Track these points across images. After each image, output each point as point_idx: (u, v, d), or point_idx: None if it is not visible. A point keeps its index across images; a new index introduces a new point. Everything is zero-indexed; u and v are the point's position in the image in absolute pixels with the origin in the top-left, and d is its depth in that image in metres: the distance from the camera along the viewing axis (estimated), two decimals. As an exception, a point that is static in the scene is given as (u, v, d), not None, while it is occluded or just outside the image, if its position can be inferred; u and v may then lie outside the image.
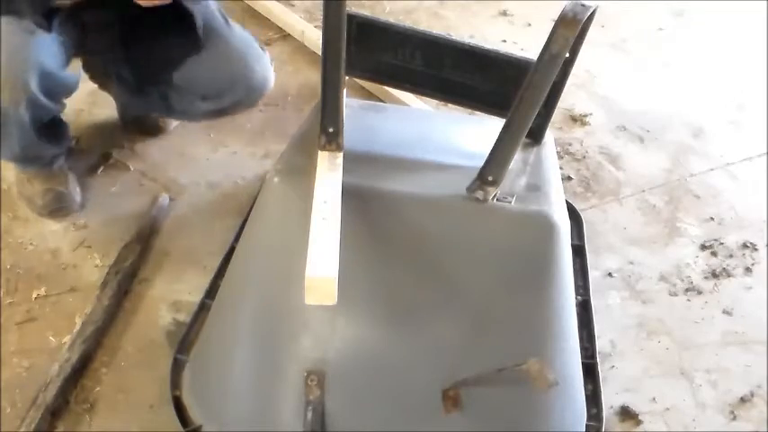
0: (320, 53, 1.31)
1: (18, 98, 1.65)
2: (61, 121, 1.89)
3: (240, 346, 1.45)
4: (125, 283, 1.79)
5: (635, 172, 2.30)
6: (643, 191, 2.24)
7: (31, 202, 1.94)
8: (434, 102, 2.15)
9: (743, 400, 1.70)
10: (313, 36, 2.60)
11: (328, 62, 1.30)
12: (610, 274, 1.97)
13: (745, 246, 2.08)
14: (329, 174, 1.31)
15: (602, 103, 2.55)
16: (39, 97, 1.67)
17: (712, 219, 2.16)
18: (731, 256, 2.05)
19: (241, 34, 1.92)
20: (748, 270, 2.01)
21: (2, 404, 1.55)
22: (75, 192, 1.97)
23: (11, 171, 1.96)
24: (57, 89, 1.75)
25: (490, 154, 1.29)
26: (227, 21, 1.91)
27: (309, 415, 1.36)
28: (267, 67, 1.94)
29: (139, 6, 1.66)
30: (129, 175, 2.08)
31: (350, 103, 1.51)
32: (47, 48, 1.68)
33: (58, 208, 1.93)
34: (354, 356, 1.37)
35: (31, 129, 1.73)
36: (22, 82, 1.63)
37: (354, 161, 1.35)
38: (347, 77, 1.39)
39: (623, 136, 2.44)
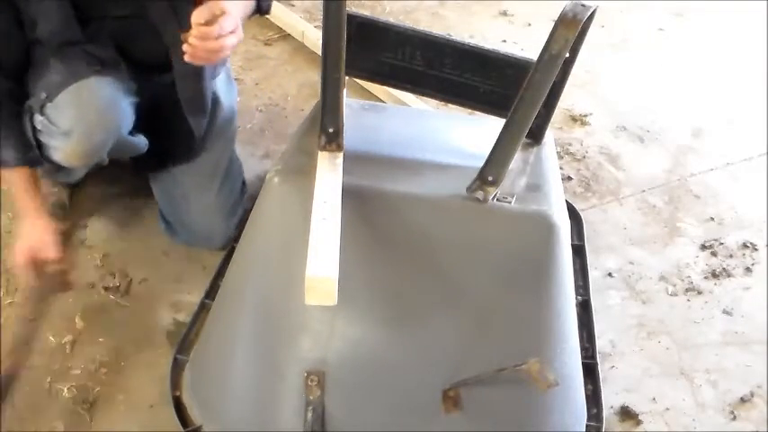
0: (320, 53, 1.31)
1: (93, 160, 1.68)
2: None
3: (240, 346, 1.45)
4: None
5: (635, 172, 2.30)
6: (643, 191, 2.24)
7: None
8: (434, 102, 2.14)
9: (743, 400, 1.70)
10: (313, 36, 2.60)
11: (328, 62, 1.30)
12: (610, 274, 1.97)
13: (745, 246, 2.08)
14: (329, 174, 1.31)
15: (602, 103, 2.55)
16: (104, 160, 1.71)
17: (712, 219, 2.16)
18: (731, 256, 2.05)
19: (218, 199, 1.86)
20: (748, 270, 2.01)
21: (2, 404, 1.55)
22: (73, 201, 1.96)
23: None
24: (124, 152, 1.77)
25: (490, 154, 1.29)
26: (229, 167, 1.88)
27: (309, 415, 1.36)
28: (228, 231, 1.88)
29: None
30: (129, 175, 2.07)
31: (350, 103, 1.51)
32: (125, 110, 1.65)
33: (51, 213, 1.92)
34: (354, 357, 1.37)
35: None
36: (98, 153, 1.65)
37: (354, 161, 1.35)
38: (347, 77, 1.39)
39: (623, 136, 2.44)
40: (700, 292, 1.94)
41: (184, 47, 1.46)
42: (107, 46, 1.65)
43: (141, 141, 1.77)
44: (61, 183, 1.93)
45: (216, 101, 1.82)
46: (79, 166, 1.76)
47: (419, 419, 1.38)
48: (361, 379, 1.37)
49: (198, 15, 1.43)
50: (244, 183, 1.97)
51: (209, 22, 1.43)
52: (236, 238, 1.76)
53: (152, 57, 1.70)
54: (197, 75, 1.69)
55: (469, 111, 1.72)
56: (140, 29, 1.64)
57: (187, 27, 1.46)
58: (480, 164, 1.30)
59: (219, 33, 1.44)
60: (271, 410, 1.41)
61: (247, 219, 1.51)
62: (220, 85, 1.84)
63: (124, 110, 1.64)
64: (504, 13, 2.96)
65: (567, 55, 1.26)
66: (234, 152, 1.94)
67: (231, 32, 1.47)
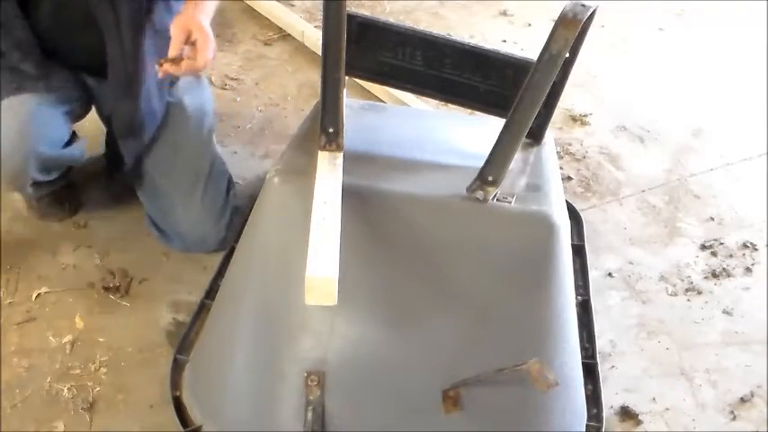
0: (320, 53, 1.31)
1: (20, 185, 1.72)
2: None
3: (240, 346, 1.45)
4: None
5: (635, 172, 2.30)
6: (643, 191, 2.24)
7: (27, 201, 1.94)
8: (434, 102, 2.14)
9: (743, 400, 1.70)
10: (313, 36, 2.60)
11: (328, 62, 1.30)
12: (610, 274, 1.97)
13: (745, 246, 2.08)
14: (329, 174, 1.31)
15: (602, 103, 2.55)
16: (39, 178, 1.72)
17: (712, 219, 2.16)
18: (731, 256, 2.05)
19: (204, 204, 1.83)
20: (748, 270, 2.01)
21: (2, 404, 1.55)
22: (72, 201, 1.96)
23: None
24: (58, 166, 1.78)
25: (490, 154, 1.29)
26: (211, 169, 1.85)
27: (309, 415, 1.36)
28: (219, 233, 1.86)
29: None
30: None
31: (350, 103, 1.51)
32: (47, 127, 1.65)
33: (50, 213, 1.93)
34: (354, 356, 1.37)
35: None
36: (23, 175, 1.66)
37: (354, 161, 1.35)
38: (347, 77, 1.39)
39: (623, 136, 2.44)
40: (700, 292, 1.94)
41: (157, 68, 1.54)
42: (31, 53, 1.63)
43: (75, 152, 1.78)
44: (60, 183, 1.93)
45: (179, 104, 1.80)
46: (14, 191, 1.77)
47: (419, 419, 1.38)
48: (361, 379, 1.37)
49: (173, 47, 1.54)
50: (230, 179, 1.94)
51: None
52: (236, 239, 1.76)
53: (90, 53, 1.67)
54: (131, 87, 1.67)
55: (469, 111, 1.72)
56: (76, 19, 1.62)
57: (121, 12, 1.56)
58: (480, 164, 1.30)
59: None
60: (271, 410, 1.41)
61: (247, 219, 1.51)
62: (185, 87, 1.83)
63: (42, 128, 1.62)
64: (504, 13, 2.96)
65: (567, 55, 1.26)
66: (215, 152, 1.90)
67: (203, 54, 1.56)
